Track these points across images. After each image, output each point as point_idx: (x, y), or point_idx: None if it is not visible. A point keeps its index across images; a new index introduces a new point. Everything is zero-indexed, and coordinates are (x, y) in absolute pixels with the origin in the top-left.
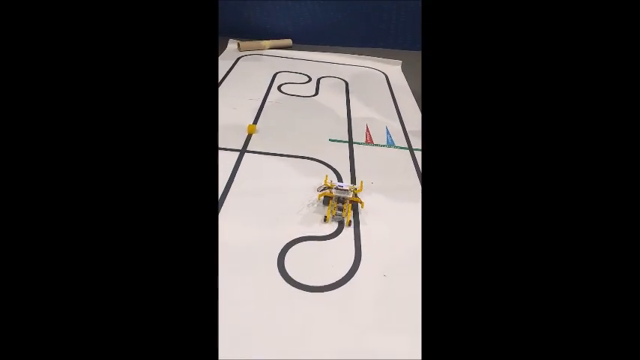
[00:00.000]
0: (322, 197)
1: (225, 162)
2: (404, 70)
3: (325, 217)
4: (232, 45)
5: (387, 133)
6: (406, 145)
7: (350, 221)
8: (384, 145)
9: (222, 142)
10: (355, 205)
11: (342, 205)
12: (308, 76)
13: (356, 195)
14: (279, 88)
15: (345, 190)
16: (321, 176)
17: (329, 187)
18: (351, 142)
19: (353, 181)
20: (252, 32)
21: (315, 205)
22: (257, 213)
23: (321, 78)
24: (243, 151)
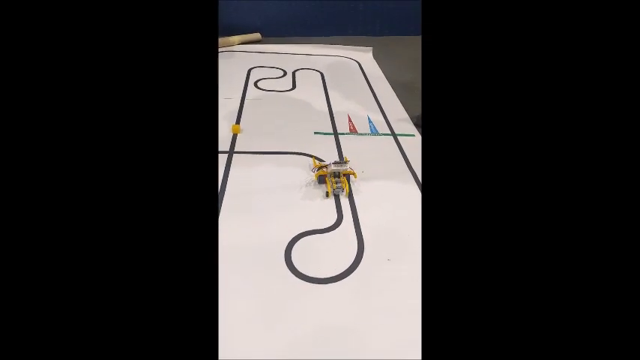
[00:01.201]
0: (318, 177)
1: None
2: (375, 56)
3: (327, 192)
4: None
5: (369, 121)
6: (389, 132)
7: (348, 192)
8: (367, 134)
9: None
10: (348, 178)
11: (338, 179)
12: (283, 70)
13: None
14: (255, 84)
15: (343, 163)
16: (309, 172)
17: (322, 167)
18: (336, 134)
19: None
20: (220, 28)
21: (312, 186)
22: (257, 212)
23: (296, 71)
24: (231, 152)
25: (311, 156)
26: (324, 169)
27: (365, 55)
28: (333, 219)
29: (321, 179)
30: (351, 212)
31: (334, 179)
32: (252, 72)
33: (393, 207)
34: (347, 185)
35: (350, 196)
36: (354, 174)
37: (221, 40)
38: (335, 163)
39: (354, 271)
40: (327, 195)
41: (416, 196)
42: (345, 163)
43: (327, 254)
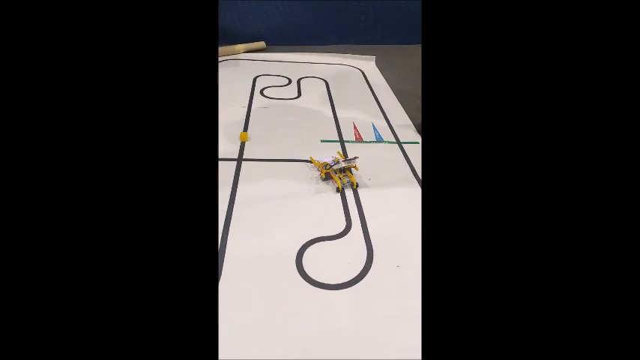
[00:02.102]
0: (325, 174)
1: (225, 172)
2: (377, 64)
3: (337, 187)
4: None
5: (374, 129)
6: (394, 140)
7: (357, 183)
8: (373, 142)
9: (219, 153)
10: (351, 171)
11: (345, 174)
12: (288, 79)
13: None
14: (261, 92)
15: (351, 159)
16: (319, 179)
17: (326, 164)
18: (342, 142)
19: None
20: (225, 36)
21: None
22: (267, 219)
23: (300, 79)
24: (239, 159)
25: (310, 161)
26: (330, 167)
27: (368, 64)
28: (342, 226)
29: (327, 175)
30: (359, 219)
31: (341, 174)
32: (258, 80)
33: (401, 214)
34: (354, 178)
35: (358, 203)
36: (355, 167)
37: (227, 49)
38: (346, 160)
39: (365, 277)
40: (338, 190)
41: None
42: (354, 159)
43: (337, 260)
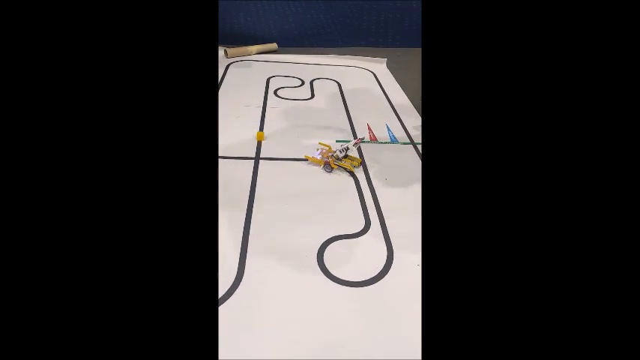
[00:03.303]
0: (333, 163)
1: (243, 171)
2: (389, 66)
3: (348, 170)
4: (219, 52)
5: (388, 130)
6: (408, 140)
7: (360, 161)
8: (387, 142)
9: (236, 152)
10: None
11: (350, 156)
12: (301, 80)
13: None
14: (275, 92)
15: (356, 142)
16: (334, 176)
17: (331, 155)
18: None
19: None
20: (237, 38)
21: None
22: (286, 217)
23: (313, 80)
24: (257, 158)
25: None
26: (334, 156)
27: (379, 66)
28: (361, 224)
29: (328, 167)
30: (378, 218)
31: (348, 159)
32: (271, 81)
33: (418, 213)
34: (358, 159)
35: (376, 202)
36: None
37: (239, 50)
38: (354, 144)
39: (386, 275)
40: (352, 173)
41: None
42: (359, 142)
43: (357, 258)
